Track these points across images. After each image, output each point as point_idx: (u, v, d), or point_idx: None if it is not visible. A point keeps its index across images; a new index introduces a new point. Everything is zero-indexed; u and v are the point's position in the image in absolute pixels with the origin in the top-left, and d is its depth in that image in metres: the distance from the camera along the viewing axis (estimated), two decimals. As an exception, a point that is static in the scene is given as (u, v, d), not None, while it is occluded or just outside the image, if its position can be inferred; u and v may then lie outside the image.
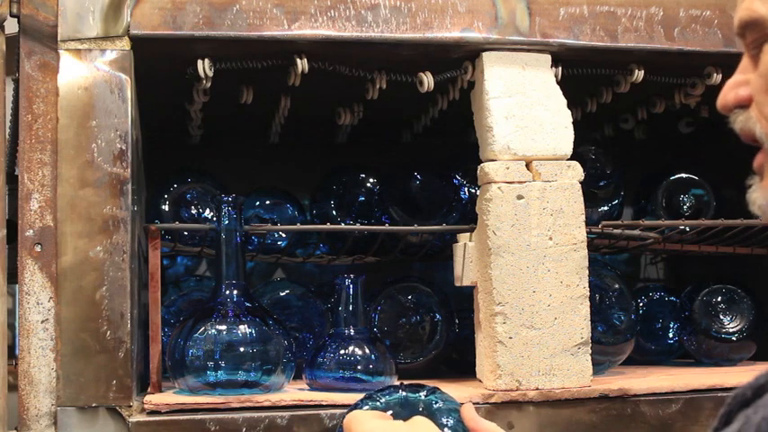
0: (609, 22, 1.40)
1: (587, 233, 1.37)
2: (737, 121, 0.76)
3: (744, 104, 0.75)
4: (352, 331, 1.41)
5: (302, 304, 1.66)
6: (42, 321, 1.22)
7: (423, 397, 1.02)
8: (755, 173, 0.76)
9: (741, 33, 0.75)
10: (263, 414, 1.25)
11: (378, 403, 1.01)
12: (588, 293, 1.35)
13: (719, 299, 1.77)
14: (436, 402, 1.01)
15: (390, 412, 0.99)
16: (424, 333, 1.63)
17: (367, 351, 1.39)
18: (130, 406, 1.23)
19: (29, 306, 1.22)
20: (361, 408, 1.01)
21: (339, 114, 1.61)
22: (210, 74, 1.34)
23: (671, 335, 1.83)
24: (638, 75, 1.47)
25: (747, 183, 0.76)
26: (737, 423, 0.62)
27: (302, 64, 1.35)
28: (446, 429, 0.97)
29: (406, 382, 1.07)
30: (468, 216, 1.57)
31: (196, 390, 1.30)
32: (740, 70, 0.76)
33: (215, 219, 1.50)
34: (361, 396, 1.05)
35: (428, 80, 1.40)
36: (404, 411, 0.99)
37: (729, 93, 0.76)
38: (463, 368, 1.60)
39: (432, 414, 0.99)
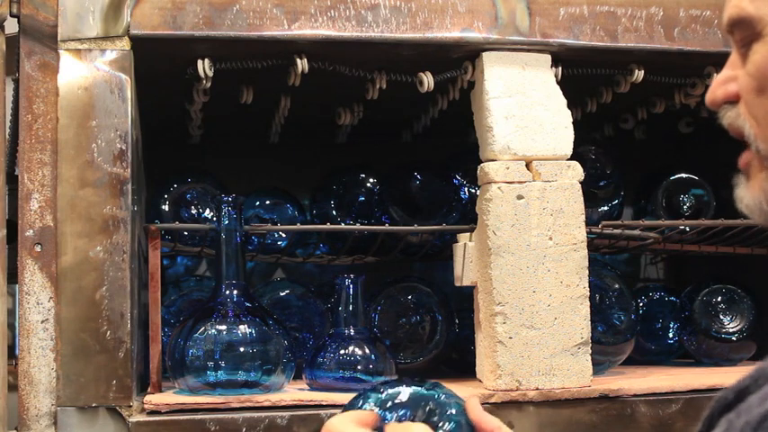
0: (609, 22, 1.40)
1: (587, 233, 1.37)
2: (726, 116, 0.75)
3: (732, 100, 0.75)
4: (352, 331, 1.41)
5: (302, 304, 1.66)
6: (42, 321, 1.22)
7: (425, 391, 1.01)
8: (741, 172, 0.75)
9: (730, 30, 0.74)
10: (263, 414, 1.25)
11: (380, 395, 1.00)
12: (588, 293, 1.35)
13: (719, 299, 1.77)
14: (440, 396, 1.01)
15: (390, 403, 0.98)
16: (424, 333, 1.63)
17: (367, 351, 1.39)
18: (130, 406, 1.23)
19: (29, 306, 1.22)
20: (367, 399, 1.00)
21: (339, 114, 1.61)
22: (210, 74, 1.34)
23: (671, 335, 1.83)
24: (638, 75, 1.47)
25: (734, 182, 0.76)
26: (720, 428, 0.61)
27: (302, 64, 1.35)
28: (449, 423, 0.96)
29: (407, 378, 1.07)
30: (468, 216, 1.57)
31: (196, 390, 1.30)
32: (729, 66, 0.76)
33: (215, 219, 1.50)
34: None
35: (428, 80, 1.40)
36: (408, 403, 0.98)
37: (718, 89, 0.76)
38: (463, 368, 1.60)
39: (439, 404, 0.98)
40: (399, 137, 1.88)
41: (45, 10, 1.25)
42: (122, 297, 1.23)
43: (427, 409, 0.98)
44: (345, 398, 1.29)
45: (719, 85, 0.76)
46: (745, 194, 0.74)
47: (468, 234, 1.40)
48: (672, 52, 1.43)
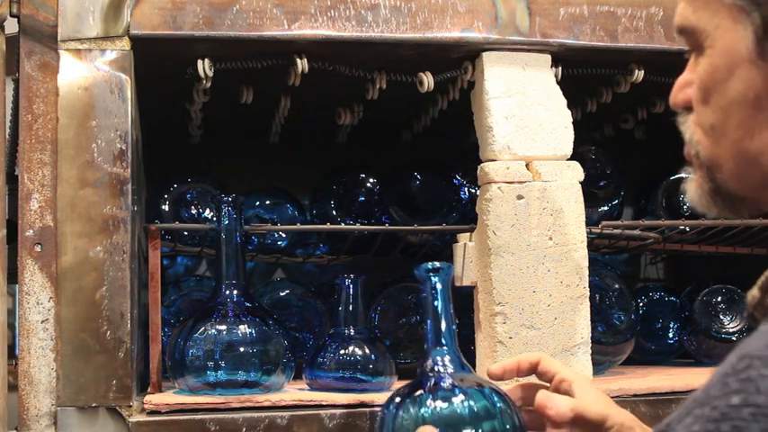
0: (609, 22, 1.40)
1: (587, 233, 1.37)
2: (682, 122, 0.78)
3: (689, 106, 0.76)
4: (352, 331, 1.41)
5: (302, 304, 1.66)
6: (42, 321, 1.22)
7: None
8: (689, 163, 0.77)
9: (680, 36, 0.75)
10: (263, 414, 1.25)
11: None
12: (588, 293, 1.35)
13: (719, 299, 1.77)
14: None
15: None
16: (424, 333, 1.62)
17: (367, 351, 1.39)
18: (130, 406, 1.23)
19: (29, 306, 1.22)
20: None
21: (339, 114, 1.61)
22: (210, 74, 1.34)
23: (671, 335, 1.83)
24: (638, 75, 1.47)
25: (684, 171, 0.78)
26: None
27: (302, 64, 1.35)
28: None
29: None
30: (468, 216, 1.57)
31: (196, 390, 1.30)
32: (689, 69, 0.76)
33: (215, 219, 1.50)
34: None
35: (428, 80, 1.40)
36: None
37: (678, 93, 0.77)
38: (463, 368, 1.60)
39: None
40: (399, 137, 1.88)
41: (45, 10, 1.25)
42: (122, 297, 1.23)
43: None
44: (345, 398, 1.30)
45: (680, 89, 0.77)
46: (690, 187, 0.77)
47: (468, 234, 1.40)
48: (672, 52, 1.43)
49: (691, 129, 0.75)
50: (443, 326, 1.02)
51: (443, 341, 1.02)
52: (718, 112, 0.71)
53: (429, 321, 1.03)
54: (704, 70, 0.72)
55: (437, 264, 1.02)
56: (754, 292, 0.69)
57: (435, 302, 1.03)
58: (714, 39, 0.71)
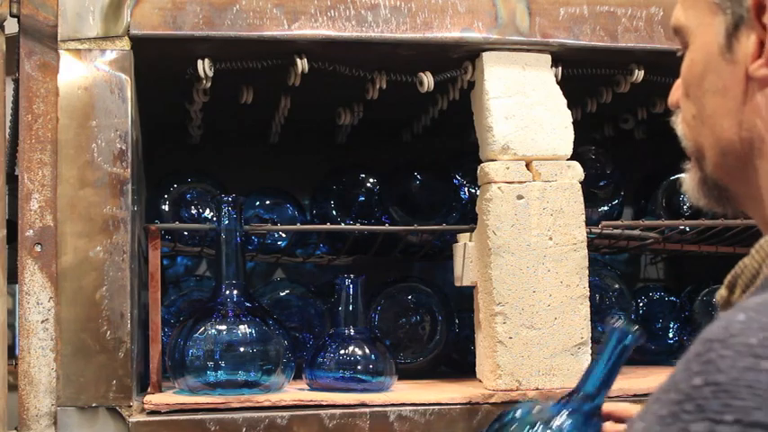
0: (609, 22, 1.40)
1: (587, 233, 1.37)
2: (674, 122, 0.82)
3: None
4: (352, 331, 1.41)
5: (302, 304, 1.66)
6: (42, 321, 1.22)
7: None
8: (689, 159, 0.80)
9: (676, 37, 0.79)
10: (263, 414, 1.25)
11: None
12: (588, 293, 1.35)
13: (719, 299, 1.77)
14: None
15: None
16: (424, 333, 1.63)
17: (367, 351, 1.39)
18: (130, 406, 1.23)
19: (29, 306, 1.22)
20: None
21: (339, 114, 1.61)
22: (210, 74, 1.34)
23: (671, 335, 1.83)
24: (638, 75, 1.47)
25: (684, 167, 0.81)
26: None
27: (302, 64, 1.35)
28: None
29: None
30: (468, 216, 1.57)
31: (196, 390, 1.30)
32: None
33: (215, 219, 1.50)
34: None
35: (428, 80, 1.40)
36: None
37: (675, 93, 0.82)
38: (463, 368, 1.60)
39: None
40: (399, 137, 1.88)
41: (45, 10, 1.25)
42: (122, 297, 1.23)
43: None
44: (345, 398, 1.30)
45: (675, 90, 0.81)
46: (686, 179, 0.80)
47: (468, 234, 1.40)
48: (672, 52, 1.41)
49: (680, 126, 0.80)
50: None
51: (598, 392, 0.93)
52: (696, 102, 0.75)
53: (597, 369, 0.93)
54: (686, 66, 0.77)
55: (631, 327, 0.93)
56: (722, 292, 0.72)
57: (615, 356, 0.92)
58: (695, 35, 0.75)
